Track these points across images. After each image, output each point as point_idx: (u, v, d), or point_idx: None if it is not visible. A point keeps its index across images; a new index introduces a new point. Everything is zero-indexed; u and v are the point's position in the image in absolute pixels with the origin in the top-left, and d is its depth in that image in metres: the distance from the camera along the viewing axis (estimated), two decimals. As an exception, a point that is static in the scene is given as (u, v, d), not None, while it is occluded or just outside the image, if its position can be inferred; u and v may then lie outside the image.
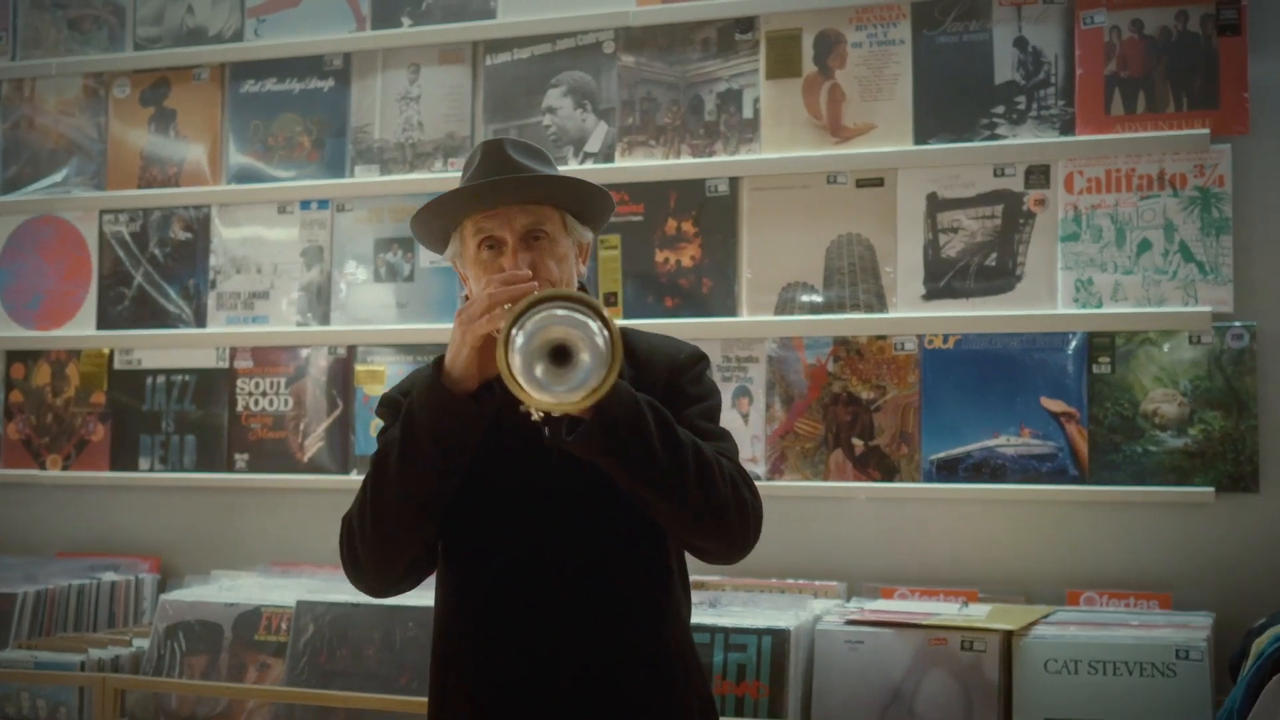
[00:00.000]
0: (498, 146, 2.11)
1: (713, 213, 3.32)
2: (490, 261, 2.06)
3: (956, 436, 3.12)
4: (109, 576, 3.50)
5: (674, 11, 3.36)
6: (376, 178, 3.57)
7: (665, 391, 2.03)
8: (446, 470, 1.95)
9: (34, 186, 3.90)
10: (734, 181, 3.31)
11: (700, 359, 2.16)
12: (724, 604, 2.94)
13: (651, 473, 1.88)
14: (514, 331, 1.79)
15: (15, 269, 3.91)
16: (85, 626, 3.43)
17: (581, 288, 2.12)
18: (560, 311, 1.80)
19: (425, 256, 3.51)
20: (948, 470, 3.11)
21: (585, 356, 1.78)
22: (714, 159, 3.31)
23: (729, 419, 3.24)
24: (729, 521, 1.95)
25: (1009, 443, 3.09)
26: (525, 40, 3.48)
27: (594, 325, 1.80)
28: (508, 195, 2.05)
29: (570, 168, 3.40)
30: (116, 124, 3.84)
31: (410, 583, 2.09)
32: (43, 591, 3.31)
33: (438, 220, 2.13)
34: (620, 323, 2.10)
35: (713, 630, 2.75)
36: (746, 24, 3.32)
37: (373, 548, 2.00)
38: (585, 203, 2.13)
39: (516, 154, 2.11)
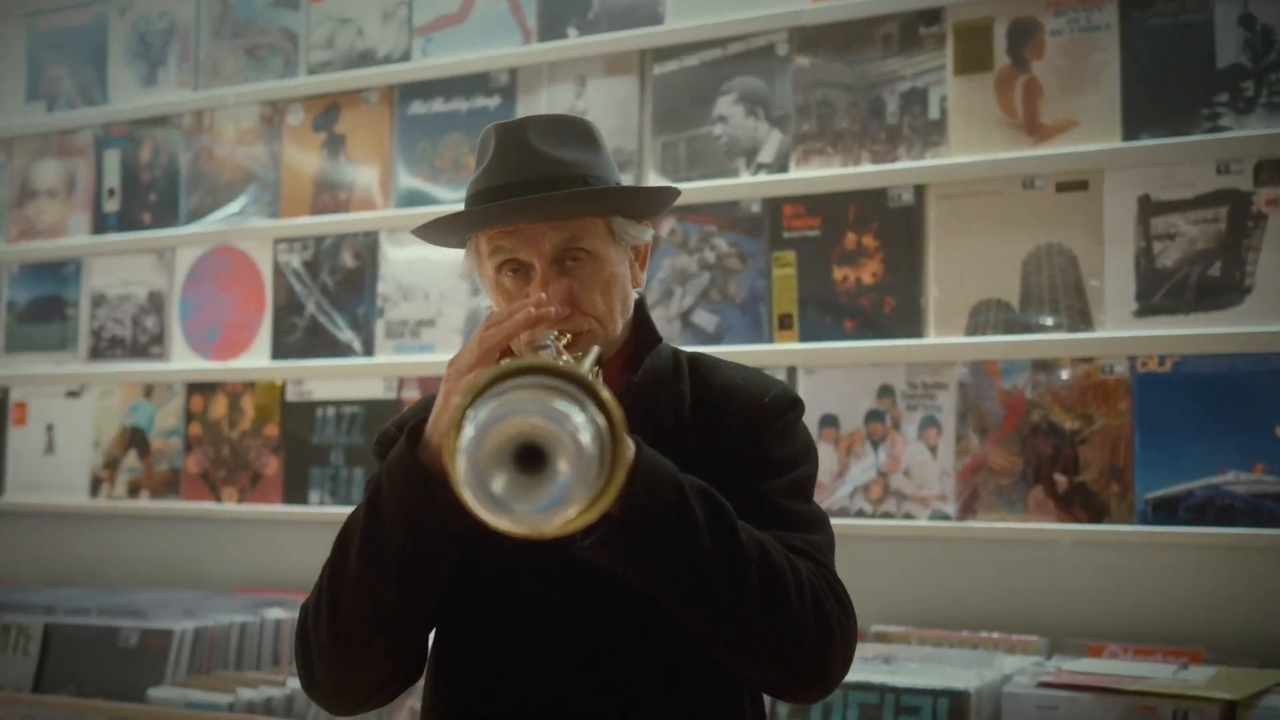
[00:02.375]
0: (519, 133, 1.65)
1: (896, 225, 3.01)
2: (515, 290, 1.65)
3: (1176, 473, 2.72)
4: (274, 614, 3.40)
5: (852, 7, 3.07)
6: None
7: (741, 448, 1.64)
8: (422, 573, 1.51)
9: (213, 217, 3.86)
10: (919, 190, 2.99)
11: (792, 405, 1.71)
12: (900, 659, 2.62)
13: (697, 590, 1.45)
14: (464, 422, 1.26)
15: (196, 300, 3.88)
16: (249, 665, 3.33)
17: (639, 305, 1.75)
18: (528, 393, 1.26)
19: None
20: (1166, 511, 2.72)
21: (563, 465, 1.25)
22: (897, 165, 3.00)
23: (914, 452, 2.92)
24: (802, 651, 1.51)
25: (1238, 480, 2.68)
26: (694, 46, 3.25)
27: (578, 417, 1.25)
28: (533, 213, 1.62)
29: (742, 180, 3.15)
30: (290, 151, 3.77)
31: (383, 699, 1.64)
32: (202, 628, 3.22)
33: (446, 233, 1.72)
34: (696, 350, 1.82)
35: (882, 690, 2.43)
36: (931, 16, 3.01)
37: (330, 661, 1.56)
38: (637, 201, 1.73)
39: (544, 143, 1.65)
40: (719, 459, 1.61)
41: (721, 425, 1.67)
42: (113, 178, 4.04)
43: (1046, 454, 2.82)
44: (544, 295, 1.58)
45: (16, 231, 4.19)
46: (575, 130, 1.69)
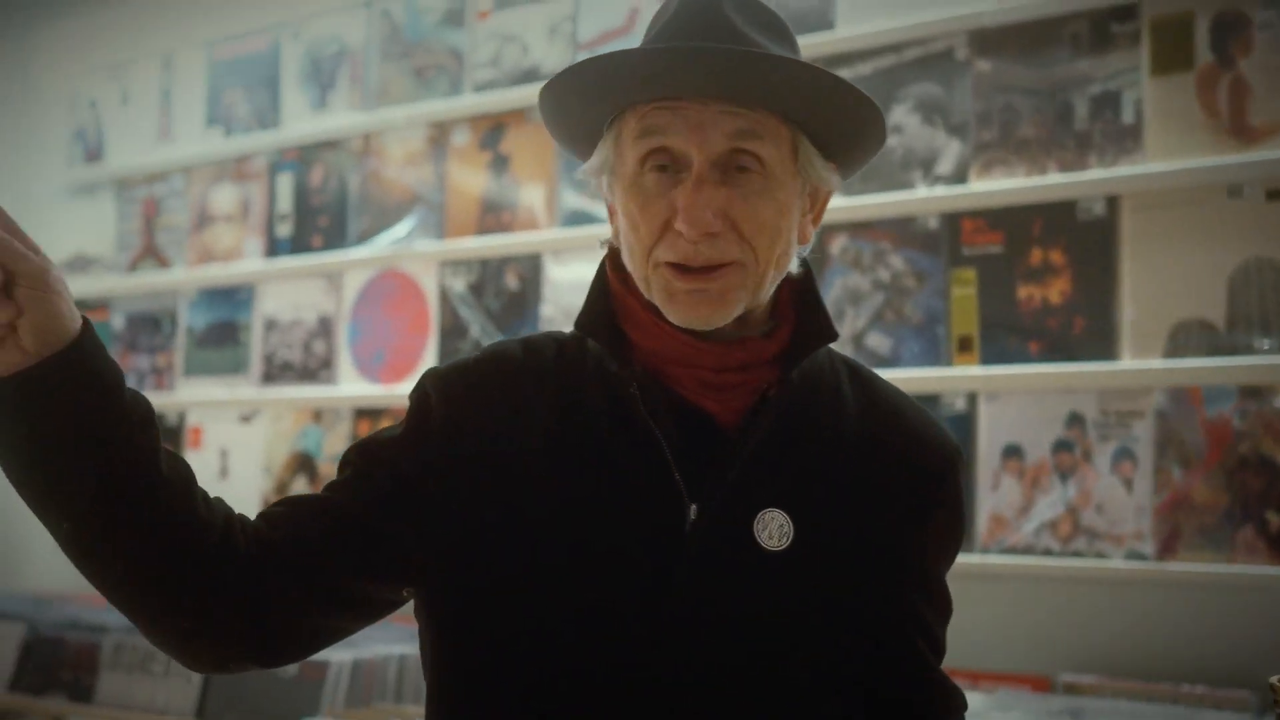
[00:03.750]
0: (712, 1, 1.31)
1: (1086, 239, 2.77)
2: (657, 193, 1.29)
3: None
4: (435, 645, 3.31)
5: (1038, 5, 2.85)
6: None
7: (906, 514, 1.36)
8: (42, 501, 1.18)
9: (380, 240, 3.82)
10: (1112, 201, 2.75)
11: (962, 466, 1.45)
12: (1091, 713, 2.39)
13: None
14: None
15: (364, 324, 3.84)
16: (408, 698, 3.25)
17: (807, 275, 1.39)
18: None
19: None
20: (1396, 555, 2.43)
21: None
22: (1087, 175, 2.77)
23: (1107, 486, 2.68)
24: None
25: None
26: (868, 53, 3.06)
27: None
28: (711, 77, 1.25)
29: (919, 193, 2.95)
30: (455, 172, 3.70)
31: (220, 663, 1.31)
32: (361, 660, 3.15)
33: (582, 101, 1.33)
34: (840, 353, 1.50)
35: (1068, 750, 2.21)
36: (1125, 12, 2.77)
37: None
38: (839, 119, 1.32)
39: (743, 21, 1.30)
40: (879, 513, 1.35)
41: (887, 466, 1.38)
42: (285, 202, 4.04)
43: (1256, 489, 2.55)
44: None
45: (195, 257, 4.23)
46: (778, 26, 1.35)
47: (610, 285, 1.39)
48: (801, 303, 1.39)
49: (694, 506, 1.27)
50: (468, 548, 1.30)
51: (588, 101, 1.33)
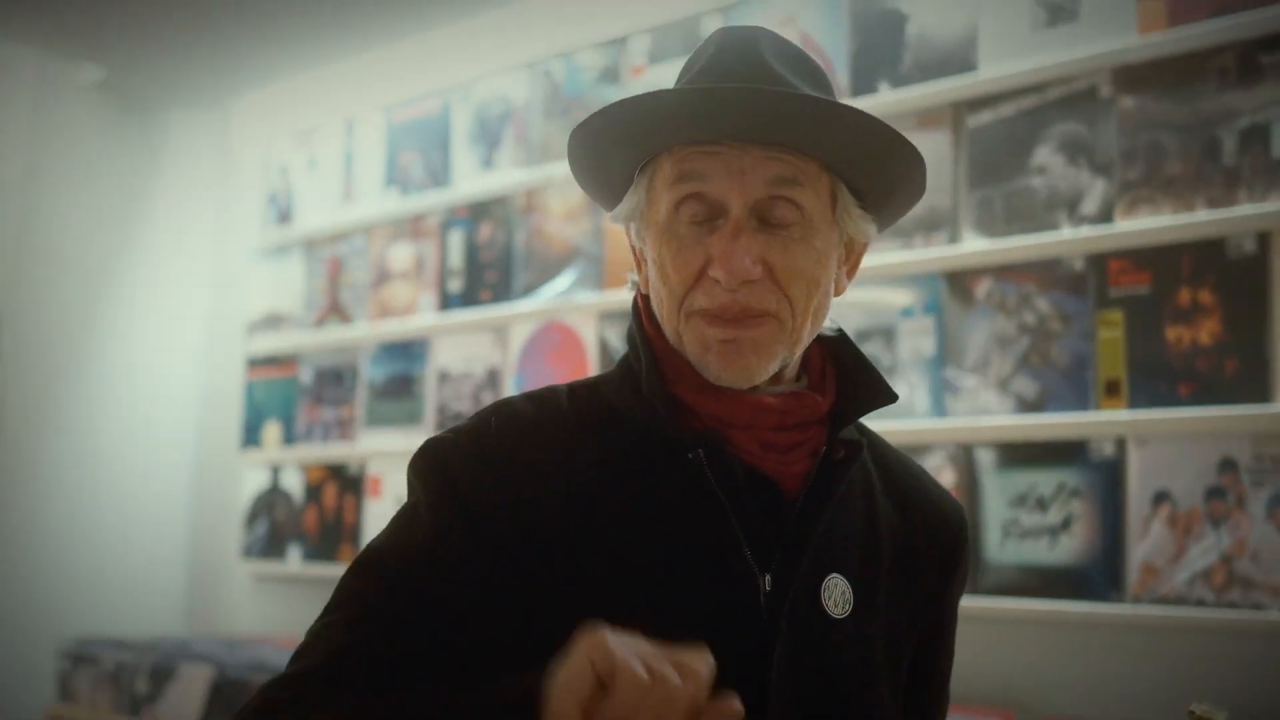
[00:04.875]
0: (750, 41, 1.28)
1: (1236, 277, 2.67)
2: (691, 240, 1.24)
3: None
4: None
5: (1183, 39, 2.77)
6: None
7: (929, 593, 1.37)
8: None
9: (543, 293, 3.92)
10: (1263, 238, 2.65)
11: (967, 528, 1.46)
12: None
13: None
14: None
15: (529, 375, 3.94)
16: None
17: (843, 337, 1.36)
18: None
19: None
20: None
21: None
22: (1236, 211, 2.67)
23: (1263, 534, 2.57)
24: None
25: None
26: (1010, 94, 3.02)
27: None
28: (751, 120, 1.20)
29: (1063, 235, 2.89)
30: (613, 225, 3.77)
31: None
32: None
33: (615, 145, 1.28)
34: (880, 428, 1.49)
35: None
36: (1273, 42, 2.67)
37: None
38: (879, 167, 1.27)
39: (777, 62, 1.27)
40: (911, 576, 1.36)
41: (914, 528, 1.37)
42: (456, 258, 4.18)
43: None
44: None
45: (374, 312, 4.41)
46: (817, 73, 1.30)
47: (652, 341, 1.31)
48: (841, 362, 1.36)
49: (767, 578, 1.22)
50: (528, 629, 1.18)
51: (621, 145, 1.28)
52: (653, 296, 1.30)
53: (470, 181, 4.16)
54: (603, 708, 0.95)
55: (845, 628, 1.26)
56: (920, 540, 1.37)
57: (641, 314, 1.34)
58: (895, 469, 1.42)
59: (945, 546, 1.40)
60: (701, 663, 0.98)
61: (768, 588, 1.22)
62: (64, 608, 4.49)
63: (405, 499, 1.31)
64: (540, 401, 1.33)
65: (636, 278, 1.36)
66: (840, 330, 1.38)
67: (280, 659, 3.70)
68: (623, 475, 1.25)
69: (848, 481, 1.30)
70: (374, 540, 1.29)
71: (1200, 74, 2.75)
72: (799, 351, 1.30)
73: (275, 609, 4.53)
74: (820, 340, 1.36)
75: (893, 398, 1.34)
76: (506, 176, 4.06)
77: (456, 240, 4.19)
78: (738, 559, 1.21)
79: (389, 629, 1.19)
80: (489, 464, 1.25)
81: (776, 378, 1.30)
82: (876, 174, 1.29)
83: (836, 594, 1.27)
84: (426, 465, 1.28)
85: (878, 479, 1.38)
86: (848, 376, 1.35)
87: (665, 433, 1.25)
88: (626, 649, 0.96)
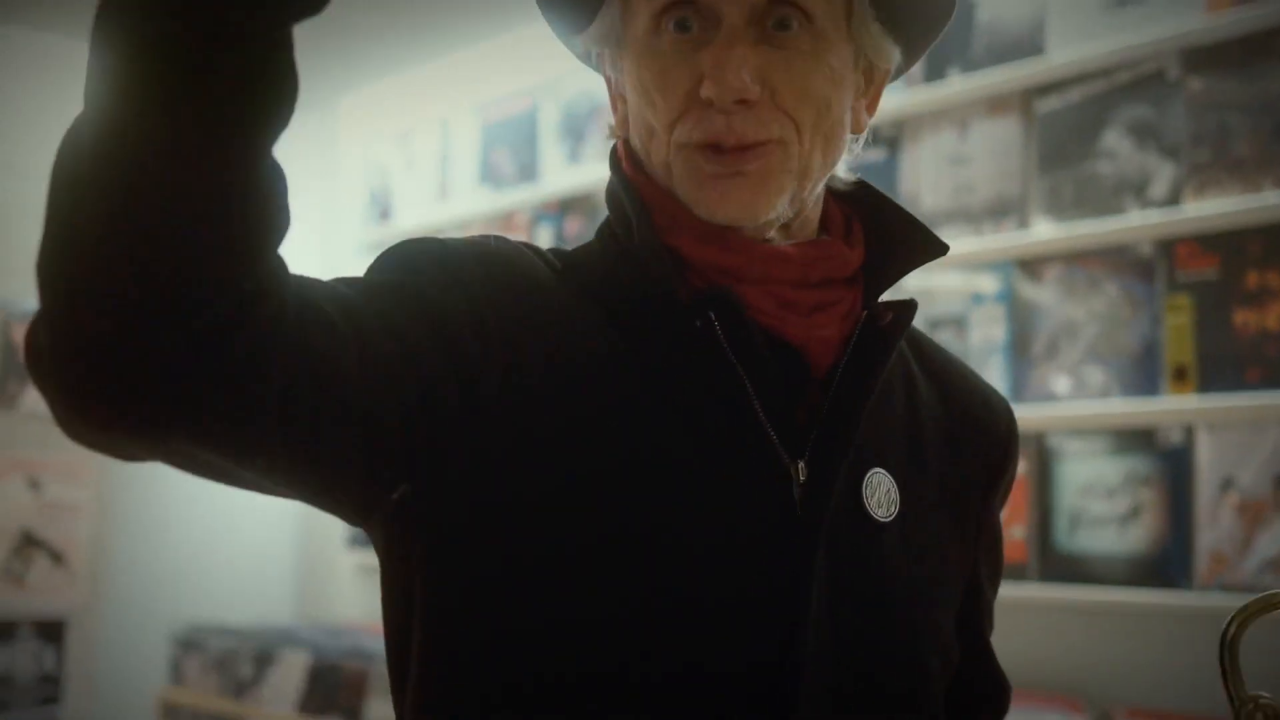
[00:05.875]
0: None
1: (1305, 260, 2.63)
2: (677, 57, 1.03)
3: None
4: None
5: (1250, 19, 2.72)
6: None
7: (977, 477, 1.17)
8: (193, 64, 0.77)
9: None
10: (1332, 218, 2.60)
11: (1015, 423, 1.24)
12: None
13: None
14: None
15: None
16: None
17: (859, 181, 1.15)
18: None
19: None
20: None
21: None
22: (1304, 192, 2.62)
23: (1330, 521, 2.52)
24: None
25: None
26: (1078, 79, 3.00)
27: None
28: None
29: (1130, 219, 2.86)
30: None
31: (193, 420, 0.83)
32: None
33: None
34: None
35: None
36: (1341, 19, 2.62)
37: (72, 320, 0.79)
38: None
39: None
40: (958, 474, 1.16)
41: (960, 423, 1.17)
42: (544, 252, 4.25)
43: None
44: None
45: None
46: None
47: (635, 184, 1.09)
48: (870, 215, 1.14)
49: (800, 464, 1.02)
50: (504, 488, 0.98)
51: None
52: (634, 133, 1.09)
53: (558, 176, 4.24)
54: None
55: (890, 533, 1.06)
56: (967, 433, 1.17)
57: (623, 161, 1.12)
58: (931, 353, 1.21)
59: (994, 442, 1.20)
60: None
61: (803, 477, 1.01)
62: (177, 594, 4.68)
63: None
64: (521, 251, 1.09)
65: (613, 120, 1.14)
66: (861, 180, 1.15)
67: (370, 643, 3.82)
68: (619, 351, 1.03)
69: (889, 386, 1.11)
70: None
71: (1267, 53, 2.70)
72: (811, 188, 1.08)
73: (377, 598, 4.65)
74: (838, 196, 1.15)
75: (942, 249, 1.12)
76: (592, 171, 4.12)
77: (545, 235, 4.27)
78: (763, 445, 1.01)
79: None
80: (497, 280, 1.03)
81: (787, 231, 1.09)
82: None
83: (880, 493, 1.07)
84: (405, 247, 1.04)
85: (917, 365, 1.18)
86: (882, 230, 1.13)
87: (665, 293, 1.05)
88: None
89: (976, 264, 3.11)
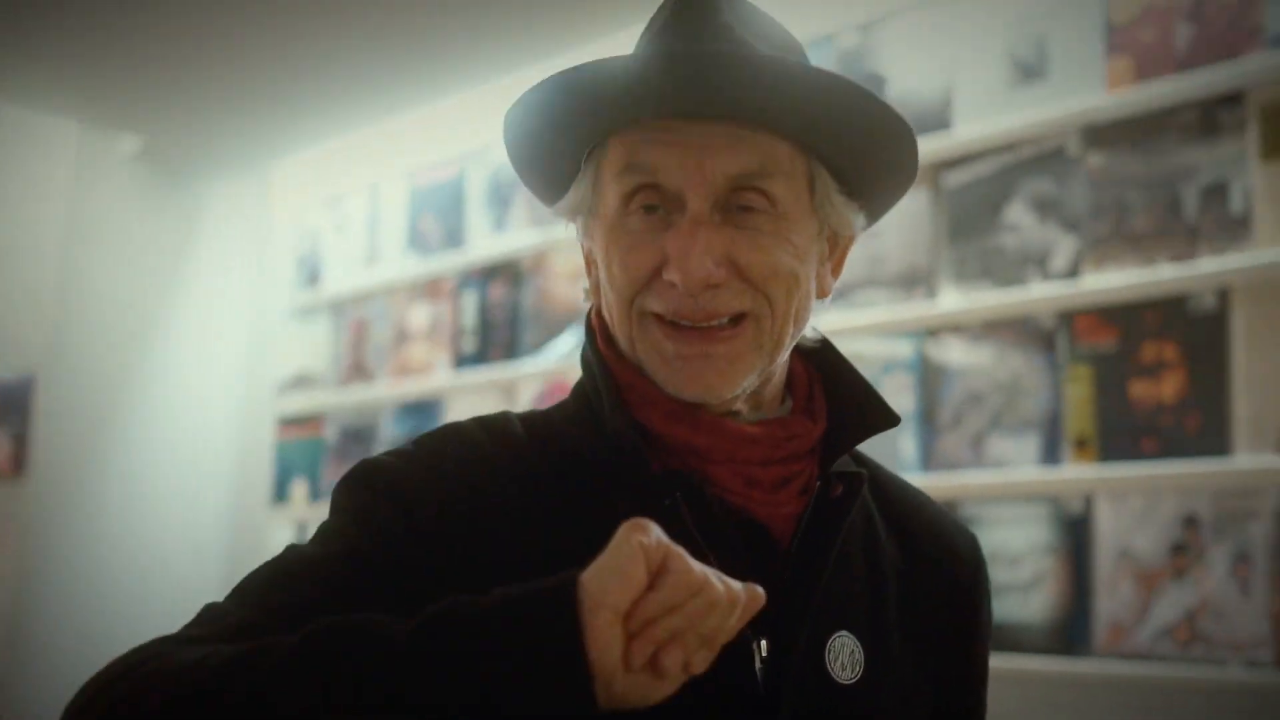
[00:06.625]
0: (707, 3, 1.09)
1: (1198, 333, 2.68)
2: (644, 236, 1.06)
3: None
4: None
5: (1147, 98, 2.79)
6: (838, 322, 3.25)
7: (943, 627, 1.18)
8: None
9: (547, 352, 3.99)
10: (1223, 293, 2.66)
11: (983, 560, 1.26)
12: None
13: None
14: None
15: (536, 433, 4.00)
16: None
17: (823, 341, 1.18)
18: None
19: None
20: None
21: None
22: (1197, 266, 2.68)
23: (1224, 590, 2.56)
24: None
25: None
26: (983, 153, 3.06)
27: None
28: (709, 92, 1.02)
29: (1034, 291, 2.91)
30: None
31: None
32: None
33: (555, 127, 1.10)
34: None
35: None
36: (1232, 99, 2.69)
37: None
38: (864, 149, 1.09)
39: (741, 26, 1.08)
40: (928, 626, 1.17)
41: (925, 574, 1.18)
42: (469, 318, 4.27)
43: (1377, 594, 2.39)
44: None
45: (395, 372, 4.51)
46: (785, 37, 1.13)
47: (606, 360, 1.12)
48: (830, 380, 1.17)
49: (763, 642, 1.04)
50: None
51: (562, 127, 1.10)
52: (602, 303, 1.12)
53: (484, 243, 4.26)
54: (643, 602, 0.83)
55: (857, 694, 1.07)
56: (930, 582, 1.18)
57: (596, 333, 1.15)
58: (897, 500, 1.22)
59: (961, 588, 1.21)
60: (742, 588, 0.86)
61: (764, 654, 1.03)
62: (99, 658, 4.60)
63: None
64: (495, 431, 1.12)
65: (587, 284, 1.17)
66: (824, 339, 1.18)
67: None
68: (588, 525, 0.98)
69: (852, 522, 1.12)
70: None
71: (1164, 131, 2.77)
72: (779, 360, 1.11)
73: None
74: (803, 355, 1.18)
75: (894, 420, 1.13)
76: (517, 238, 4.15)
77: (470, 301, 4.28)
78: None
79: (296, 603, 0.99)
80: (445, 495, 1.05)
81: (757, 400, 1.12)
82: (857, 153, 1.09)
83: (844, 655, 1.08)
84: (359, 484, 1.08)
85: (878, 513, 1.19)
86: (838, 396, 1.15)
87: (634, 475, 1.06)
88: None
89: (888, 332, 3.15)
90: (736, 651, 0.99)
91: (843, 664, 1.07)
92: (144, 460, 4.90)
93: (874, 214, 1.16)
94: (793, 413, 1.14)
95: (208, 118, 4.67)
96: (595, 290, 1.14)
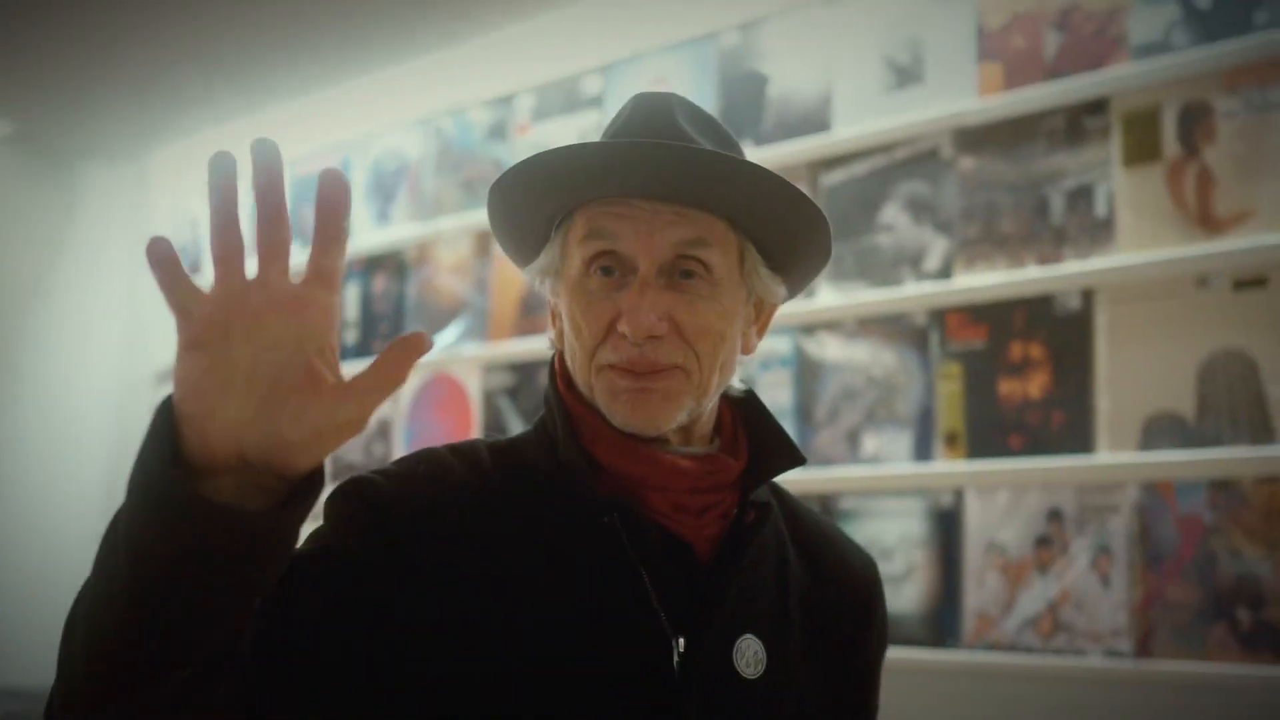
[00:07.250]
0: (663, 104, 1.32)
1: (1063, 333, 2.76)
2: (601, 295, 1.27)
3: (1380, 609, 2.34)
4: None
5: (1016, 102, 2.87)
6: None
7: (840, 637, 1.39)
8: (169, 651, 0.96)
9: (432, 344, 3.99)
10: (1086, 294, 2.74)
11: (880, 581, 1.48)
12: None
13: None
14: None
15: (417, 427, 4.00)
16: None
17: (749, 393, 1.40)
18: None
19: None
20: (1369, 654, 2.34)
21: None
22: (1062, 268, 2.76)
23: (1086, 582, 2.65)
24: None
25: None
26: (862, 153, 3.12)
27: None
28: (661, 178, 1.24)
29: (908, 290, 2.98)
30: (498, 277, 3.86)
31: None
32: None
33: (531, 199, 1.31)
34: (794, 480, 1.48)
35: None
36: (1096, 106, 2.77)
37: None
38: (788, 230, 1.30)
39: (690, 125, 1.31)
40: (827, 638, 1.38)
41: (827, 590, 1.39)
42: (351, 310, 4.25)
43: (1228, 586, 2.49)
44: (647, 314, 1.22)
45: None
46: (728, 139, 1.34)
47: (565, 400, 1.33)
48: (751, 423, 1.38)
49: (681, 640, 1.24)
50: (436, 670, 1.18)
51: (536, 200, 1.31)
52: (566, 351, 1.32)
53: (366, 235, 4.24)
54: (200, 308, 0.91)
55: (758, 688, 1.27)
56: (830, 597, 1.39)
57: (558, 376, 1.35)
58: (806, 527, 1.44)
59: (856, 603, 1.42)
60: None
61: (681, 649, 1.23)
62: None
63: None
64: (464, 456, 1.31)
65: (552, 334, 1.37)
66: (750, 391, 1.40)
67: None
68: (540, 536, 1.25)
69: (759, 542, 1.33)
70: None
71: (1032, 136, 2.85)
72: (707, 403, 1.31)
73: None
74: (731, 402, 1.38)
75: (800, 460, 1.35)
76: (400, 230, 4.13)
77: (352, 292, 4.26)
78: (651, 621, 1.23)
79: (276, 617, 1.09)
80: (416, 506, 1.23)
81: (689, 437, 1.32)
82: (781, 234, 1.30)
83: (749, 655, 1.28)
84: (346, 496, 1.23)
85: (789, 538, 1.40)
86: (757, 438, 1.36)
87: (581, 496, 1.27)
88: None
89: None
90: (658, 645, 1.22)
91: (747, 661, 1.27)
92: (18, 448, 4.80)
93: (794, 286, 1.37)
94: (719, 451, 1.34)
95: (83, 101, 4.58)
96: (559, 338, 1.34)
